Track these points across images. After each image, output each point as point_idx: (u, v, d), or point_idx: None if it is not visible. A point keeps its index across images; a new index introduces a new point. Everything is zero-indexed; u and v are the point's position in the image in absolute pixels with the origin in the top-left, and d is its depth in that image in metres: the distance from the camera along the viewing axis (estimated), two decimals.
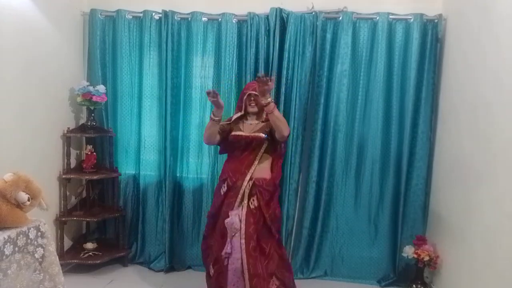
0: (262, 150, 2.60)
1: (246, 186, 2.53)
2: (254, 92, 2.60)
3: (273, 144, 2.64)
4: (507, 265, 2.09)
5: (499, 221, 2.18)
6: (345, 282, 3.28)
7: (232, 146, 2.69)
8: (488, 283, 2.27)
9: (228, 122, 2.69)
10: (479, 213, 2.41)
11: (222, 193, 2.61)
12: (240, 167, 2.59)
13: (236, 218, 2.48)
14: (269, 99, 2.41)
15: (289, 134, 2.57)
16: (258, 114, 2.69)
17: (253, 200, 2.53)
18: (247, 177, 2.55)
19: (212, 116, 2.55)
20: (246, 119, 2.70)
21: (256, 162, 2.58)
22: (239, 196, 2.52)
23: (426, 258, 2.93)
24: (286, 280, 2.61)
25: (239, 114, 2.70)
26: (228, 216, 2.51)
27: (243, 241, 2.45)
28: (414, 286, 3.07)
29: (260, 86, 2.34)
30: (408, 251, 3.05)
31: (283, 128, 2.47)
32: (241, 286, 2.45)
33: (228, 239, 2.49)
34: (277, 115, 2.47)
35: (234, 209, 2.51)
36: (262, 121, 2.66)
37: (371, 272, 3.30)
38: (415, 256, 2.98)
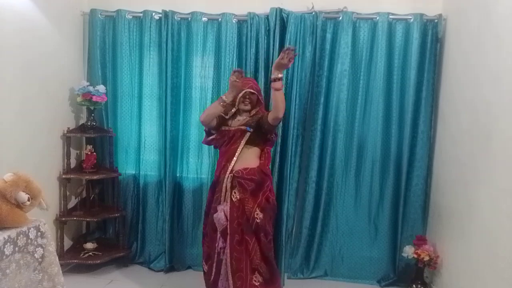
0: (243, 141, 2.56)
1: (227, 179, 2.52)
2: (250, 90, 2.59)
3: (261, 136, 2.61)
4: (507, 264, 2.09)
5: (499, 221, 2.18)
6: (345, 282, 3.28)
7: (220, 142, 2.68)
8: (488, 283, 2.27)
9: (225, 115, 2.66)
10: (479, 213, 2.41)
11: (214, 188, 2.62)
12: (222, 160, 2.60)
13: (222, 213, 2.48)
14: (281, 75, 2.40)
15: (281, 118, 2.54)
16: (249, 112, 2.66)
17: (235, 192, 2.51)
18: (228, 170, 2.53)
19: (224, 97, 2.53)
20: (237, 116, 2.67)
21: (237, 153, 2.55)
22: (223, 190, 2.52)
23: (426, 258, 2.93)
24: (270, 277, 2.51)
25: (233, 110, 2.65)
26: (216, 211, 2.52)
27: (228, 236, 2.45)
28: (414, 286, 3.06)
29: (283, 58, 2.30)
30: (408, 251, 3.04)
31: (281, 109, 2.43)
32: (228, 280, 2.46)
33: (219, 234, 2.51)
34: (282, 94, 2.46)
35: (221, 203, 2.52)
36: (251, 116, 2.64)
37: (371, 272, 3.30)
38: (415, 256, 2.97)
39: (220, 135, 2.65)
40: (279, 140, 3.21)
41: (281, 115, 2.46)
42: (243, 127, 2.57)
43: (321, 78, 3.22)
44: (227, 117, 2.65)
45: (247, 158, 2.57)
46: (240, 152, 2.56)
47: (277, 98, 2.42)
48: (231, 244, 2.44)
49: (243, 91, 2.59)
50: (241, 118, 2.65)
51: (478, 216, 2.43)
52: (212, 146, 2.89)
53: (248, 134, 2.57)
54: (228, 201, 2.50)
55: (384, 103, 3.21)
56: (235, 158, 2.55)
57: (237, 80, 2.46)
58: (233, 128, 2.61)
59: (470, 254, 2.50)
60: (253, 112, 2.65)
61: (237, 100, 2.61)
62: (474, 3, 2.68)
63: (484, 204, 2.37)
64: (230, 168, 2.53)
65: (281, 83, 2.40)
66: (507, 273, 2.08)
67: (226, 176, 2.52)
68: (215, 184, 2.62)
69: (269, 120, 2.49)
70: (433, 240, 3.07)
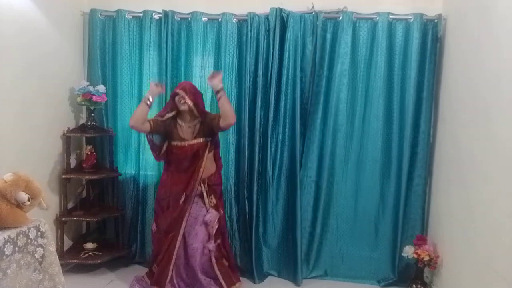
0: (206, 154, 2.77)
1: (204, 190, 2.78)
2: (181, 92, 2.73)
3: (213, 138, 2.84)
4: (507, 264, 2.09)
5: (499, 221, 2.18)
6: (345, 282, 3.28)
7: (180, 157, 2.81)
8: (488, 283, 2.27)
9: (161, 119, 2.81)
10: (479, 213, 2.41)
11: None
12: (185, 175, 2.77)
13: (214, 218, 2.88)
14: (220, 86, 2.72)
15: (234, 124, 2.80)
16: (190, 114, 2.79)
17: (212, 198, 2.83)
18: (197, 183, 2.75)
19: (150, 99, 2.73)
20: (181, 123, 2.81)
21: (203, 167, 2.75)
22: (199, 200, 2.84)
23: (426, 258, 2.93)
24: None
25: (172, 113, 2.81)
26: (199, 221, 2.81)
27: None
28: (414, 286, 3.06)
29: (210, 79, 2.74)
30: (408, 251, 3.04)
31: (231, 116, 2.71)
32: None
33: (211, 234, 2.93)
34: (227, 100, 2.75)
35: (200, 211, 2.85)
36: (201, 122, 2.80)
37: (371, 272, 3.30)
38: (415, 256, 2.97)
39: (179, 151, 2.78)
40: (282, 137, 3.24)
41: (233, 121, 2.73)
42: (201, 140, 2.75)
43: (321, 77, 3.22)
44: (163, 118, 2.81)
45: (208, 166, 2.81)
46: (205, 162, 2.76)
47: (224, 107, 2.68)
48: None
49: (174, 91, 2.81)
50: (191, 125, 2.78)
51: (478, 216, 2.42)
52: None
53: (208, 144, 2.77)
54: (208, 207, 2.80)
55: (384, 103, 3.21)
56: (201, 170, 2.73)
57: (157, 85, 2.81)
58: (190, 143, 2.76)
59: (470, 254, 2.50)
60: (195, 112, 2.77)
61: (174, 102, 2.79)
62: (474, 3, 2.68)
63: (484, 203, 2.37)
64: (198, 179, 2.72)
65: (219, 94, 2.71)
66: (507, 273, 2.08)
67: (196, 188, 2.74)
68: (177, 197, 2.77)
69: (221, 126, 2.70)
70: (433, 240, 3.07)
